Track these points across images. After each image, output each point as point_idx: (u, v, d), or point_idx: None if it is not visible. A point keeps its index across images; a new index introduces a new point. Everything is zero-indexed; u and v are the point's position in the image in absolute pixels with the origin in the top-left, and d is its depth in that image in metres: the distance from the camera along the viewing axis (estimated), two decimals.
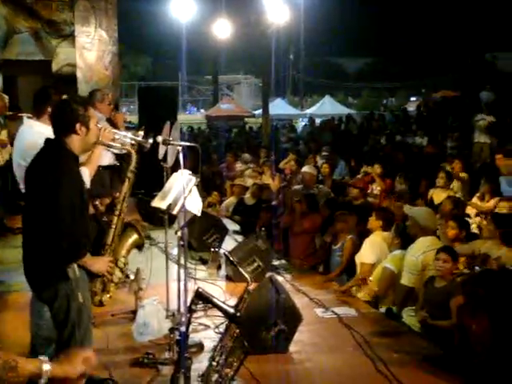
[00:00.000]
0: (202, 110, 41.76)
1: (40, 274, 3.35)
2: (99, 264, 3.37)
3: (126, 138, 4.23)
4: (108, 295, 3.38)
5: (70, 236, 3.18)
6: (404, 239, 5.91)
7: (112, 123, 6.02)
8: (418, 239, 5.76)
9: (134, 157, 3.67)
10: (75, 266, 3.31)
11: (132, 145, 4.12)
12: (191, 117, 37.59)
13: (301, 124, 30.07)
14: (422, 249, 5.62)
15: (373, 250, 6.14)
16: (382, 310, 5.70)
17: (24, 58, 11.78)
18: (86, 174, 3.63)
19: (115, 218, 3.55)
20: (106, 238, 3.48)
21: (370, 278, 5.95)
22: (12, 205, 7.29)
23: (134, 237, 3.66)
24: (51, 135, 3.53)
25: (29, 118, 4.03)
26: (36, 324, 3.98)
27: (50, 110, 3.88)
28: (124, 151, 4.01)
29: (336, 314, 5.45)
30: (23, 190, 3.83)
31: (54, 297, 3.34)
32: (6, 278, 6.06)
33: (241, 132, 24.43)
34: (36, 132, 3.97)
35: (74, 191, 3.25)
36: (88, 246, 3.36)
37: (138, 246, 4.03)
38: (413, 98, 40.47)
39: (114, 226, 3.52)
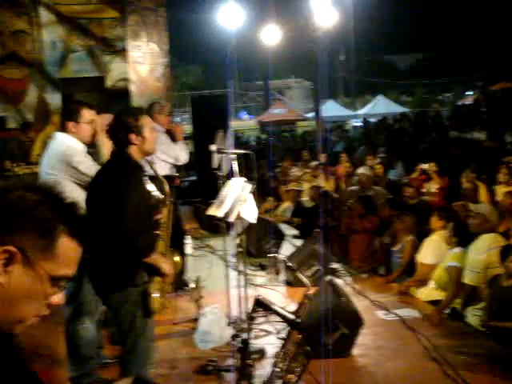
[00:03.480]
0: (252, 116, 41.91)
1: (110, 278, 3.40)
2: (169, 265, 3.42)
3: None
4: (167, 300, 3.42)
5: (135, 241, 3.25)
6: (461, 238, 5.75)
7: (171, 134, 6.11)
8: (480, 237, 5.60)
9: (167, 190, 3.74)
10: (144, 273, 3.36)
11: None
12: (244, 123, 37.80)
13: (353, 125, 29.81)
14: (485, 246, 5.45)
15: (433, 251, 6.01)
16: (446, 310, 5.57)
17: (80, 76, 12.13)
18: None
19: (163, 234, 3.60)
20: (160, 247, 3.54)
21: (433, 283, 5.83)
22: None
23: (176, 259, 3.73)
24: (76, 146, 3.94)
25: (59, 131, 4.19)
26: (73, 343, 4.05)
27: (71, 125, 4.08)
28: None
29: (399, 316, 5.36)
30: None
31: (122, 302, 3.37)
32: None
33: (293, 136, 24.41)
34: (61, 141, 4.12)
35: (140, 200, 3.33)
36: (152, 249, 3.41)
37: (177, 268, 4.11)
38: (468, 93, 39.45)
39: (163, 238, 3.57)
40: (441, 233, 6.11)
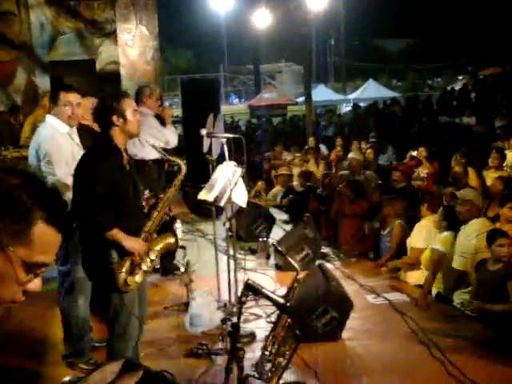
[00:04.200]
0: (243, 100, 41.78)
1: (94, 260, 3.51)
2: (134, 243, 3.46)
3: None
4: (135, 278, 3.45)
5: (95, 214, 3.35)
6: (450, 222, 5.79)
7: (160, 118, 6.08)
8: (469, 222, 5.64)
9: (184, 168, 3.82)
10: (114, 251, 3.42)
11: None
12: (234, 107, 37.67)
13: (343, 109, 29.77)
14: (475, 232, 5.50)
15: (423, 235, 6.05)
16: (434, 291, 5.62)
17: (69, 59, 12.02)
18: None
19: (155, 213, 3.63)
20: (145, 225, 3.57)
21: (421, 267, 5.88)
22: None
23: (171, 240, 3.73)
24: (64, 130, 4.10)
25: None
26: (64, 320, 4.22)
27: (51, 108, 4.20)
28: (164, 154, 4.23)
29: (387, 299, 5.41)
30: None
31: (107, 281, 3.46)
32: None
33: (284, 121, 24.37)
34: (50, 125, 4.21)
35: (106, 180, 3.40)
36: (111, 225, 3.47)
37: (172, 249, 4.16)
38: (459, 77, 39.45)
39: (152, 219, 3.61)
40: (431, 217, 6.14)
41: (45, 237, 1.27)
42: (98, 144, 3.59)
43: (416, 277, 5.93)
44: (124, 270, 3.43)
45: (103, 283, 3.53)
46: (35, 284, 1.30)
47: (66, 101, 4.17)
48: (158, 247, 3.67)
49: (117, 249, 3.43)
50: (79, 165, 3.52)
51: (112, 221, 3.41)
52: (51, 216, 1.27)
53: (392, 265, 6.20)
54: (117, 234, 3.40)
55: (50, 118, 4.20)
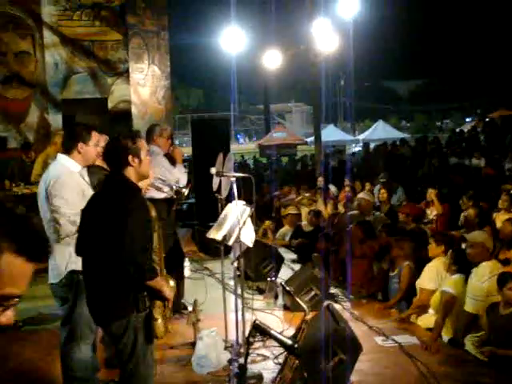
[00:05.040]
0: (255, 139, 42.11)
1: (111, 305, 3.34)
2: (169, 288, 3.39)
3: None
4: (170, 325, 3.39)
5: (138, 263, 3.20)
6: (460, 265, 5.73)
7: (170, 158, 6.12)
8: (480, 264, 5.58)
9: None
10: (147, 297, 3.34)
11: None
12: (243, 147, 37.94)
13: (352, 150, 29.91)
14: (487, 274, 5.44)
15: (433, 276, 5.99)
16: (445, 337, 5.53)
17: (82, 97, 12.21)
18: None
19: (157, 258, 3.59)
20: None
21: (430, 310, 5.80)
22: None
23: (171, 283, 3.70)
24: (75, 170, 4.01)
25: (61, 153, 4.21)
26: (65, 365, 4.06)
27: (79, 146, 4.09)
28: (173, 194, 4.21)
29: (397, 342, 5.32)
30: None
31: (125, 329, 3.31)
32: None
33: (293, 160, 24.47)
34: (61, 165, 4.13)
35: (142, 223, 3.30)
36: (155, 272, 3.39)
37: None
38: (468, 119, 39.66)
39: (157, 263, 3.56)
40: (441, 259, 6.09)
41: (13, 268, 1.21)
42: (118, 185, 3.44)
43: (426, 320, 5.84)
44: (160, 316, 3.37)
45: (127, 333, 3.33)
46: (7, 317, 1.25)
47: (97, 141, 4.18)
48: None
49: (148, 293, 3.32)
50: (103, 208, 3.37)
51: (154, 267, 3.34)
52: (20, 246, 1.22)
53: (405, 315, 6.08)
54: (160, 281, 3.32)
55: (60, 157, 4.16)
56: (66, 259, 3.91)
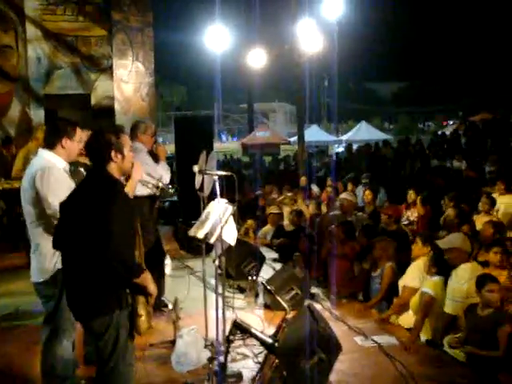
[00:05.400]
0: (235, 138, 42.14)
1: (94, 301, 3.29)
2: (153, 284, 3.38)
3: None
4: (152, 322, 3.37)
5: (124, 260, 3.17)
6: (440, 267, 5.77)
7: (153, 155, 6.09)
8: (459, 266, 5.63)
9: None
10: (129, 294, 3.32)
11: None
12: (225, 145, 37.91)
13: (335, 150, 30.04)
14: (466, 275, 5.49)
15: (416, 275, 6.01)
16: (423, 338, 5.57)
17: (64, 92, 12.12)
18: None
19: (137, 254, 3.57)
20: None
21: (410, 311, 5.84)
22: None
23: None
24: (60, 166, 3.97)
25: (43, 148, 4.15)
26: (47, 362, 4.03)
27: (63, 142, 4.06)
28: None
29: (376, 342, 5.35)
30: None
31: (107, 326, 3.29)
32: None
33: (276, 159, 24.51)
34: (43, 159, 4.08)
35: (125, 218, 3.28)
36: (141, 268, 3.36)
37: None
38: (450, 122, 40.02)
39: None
40: (424, 258, 6.11)
41: None
42: (100, 180, 3.39)
43: (406, 320, 5.88)
44: (145, 313, 3.34)
45: (109, 330, 3.30)
46: None
47: (81, 137, 4.14)
48: None
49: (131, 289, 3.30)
50: (85, 203, 3.29)
51: (139, 263, 3.32)
52: None
53: (385, 315, 6.11)
54: (146, 277, 3.30)
55: (42, 152, 4.11)
56: (55, 256, 3.86)
